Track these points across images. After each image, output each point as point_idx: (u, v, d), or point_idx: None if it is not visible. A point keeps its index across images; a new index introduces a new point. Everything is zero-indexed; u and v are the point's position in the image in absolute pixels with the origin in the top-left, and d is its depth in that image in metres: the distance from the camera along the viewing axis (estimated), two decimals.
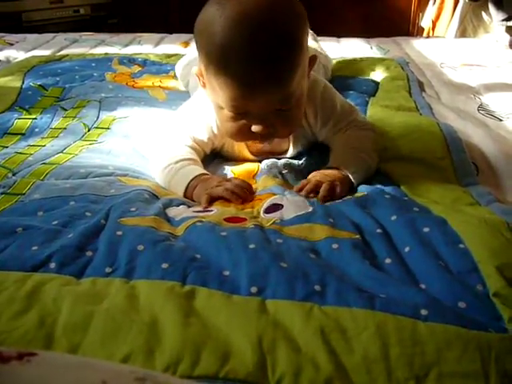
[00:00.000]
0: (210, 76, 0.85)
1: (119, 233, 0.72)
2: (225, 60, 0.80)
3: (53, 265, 0.65)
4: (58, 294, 0.60)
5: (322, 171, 0.93)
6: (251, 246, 0.67)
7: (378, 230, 0.73)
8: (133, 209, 0.78)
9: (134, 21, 3.23)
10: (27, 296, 0.59)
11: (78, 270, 0.65)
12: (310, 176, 0.92)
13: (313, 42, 1.56)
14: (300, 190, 0.88)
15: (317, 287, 0.60)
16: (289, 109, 0.87)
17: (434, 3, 3.05)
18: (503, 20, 2.75)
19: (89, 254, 0.69)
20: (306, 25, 0.87)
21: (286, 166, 0.99)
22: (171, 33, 2.31)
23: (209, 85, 0.88)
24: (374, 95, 1.40)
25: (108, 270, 0.65)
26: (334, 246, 0.69)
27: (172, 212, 0.81)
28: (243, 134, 0.90)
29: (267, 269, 0.63)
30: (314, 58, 0.93)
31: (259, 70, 0.80)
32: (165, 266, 0.64)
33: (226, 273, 0.64)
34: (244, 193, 0.87)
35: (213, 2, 0.84)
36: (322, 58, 1.43)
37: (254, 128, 0.87)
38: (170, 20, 3.31)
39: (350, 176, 0.91)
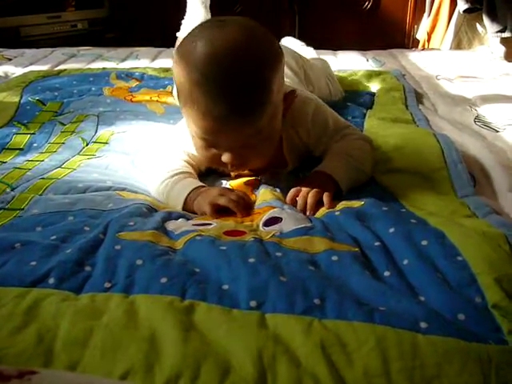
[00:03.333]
0: (180, 105, 0.88)
1: (118, 247, 0.72)
2: (191, 95, 0.82)
3: (51, 280, 0.65)
4: (56, 310, 0.59)
5: (307, 180, 0.93)
6: (251, 260, 0.67)
7: (377, 243, 0.73)
8: (131, 223, 0.78)
9: (131, 35, 3.24)
10: (26, 312, 0.59)
11: (76, 285, 0.65)
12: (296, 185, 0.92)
13: (308, 49, 1.58)
14: (291, 201, 0.89)
15: (316, 301, 0.60)
16: (257, 144, 0.88)
17: (429, 15, 3.07)
18: (498, 31, 2.77)
19: (87, 269, 0.68)
20: (277, 65, 0.86)
21: (284, 179, 0.99)
22: (168, 47, 2.32)
23: (182, 112, 0.90)
24: (371, 107, 1.41)
25: (107, 284, 0.65)
26: (334, 258, 0.69)
27: (171, 225, 0.81)
28: (215, 162, 0.92)
29: (267, 283, 0.63)
30: (291, 94, 0.94)
31: (222, 108, 0.81)
32: (164, 280, 0.64)
33: (226, 287, 0.64)
34: (248, 205, 0.88)
35: (190, 35, 0.86)
36: (325, 68, 1.44)
37: (224, 158, 0.88)
38: (167, 34, 3.32)
39: (336, 180, 0.92)
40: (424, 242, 0.71)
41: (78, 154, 1.12)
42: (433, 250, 0.69)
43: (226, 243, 0.72)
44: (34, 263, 0.68)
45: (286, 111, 0.94)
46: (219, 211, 0.87)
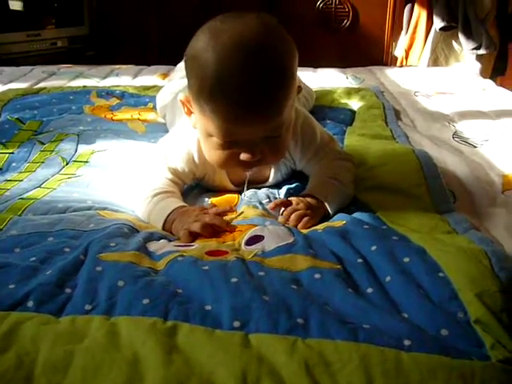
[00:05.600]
0: (200, 104, 0.85)
1: (99, 269, 0.71)
2: (217, 88, 0.81)
3: (31, 303, 0.64)
4: (36, 334, 0.59)
5: (299, 197, 0.94)
6: (233, 280, 0.67)
7: (359, 260, 0.73)
8: (112, 244, 0.77)
9: (112, 52, 3.24)
10: (5, 336, 0.58)
11: (57, 307, 0.64)
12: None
13: None
14: (274, 208, 0.92)
15: (300, 320, 0.60)
16: (278, 136, 0.88)
17: (407, 33, 3.12)
18: (473, 49, 2.82)
19: (68, 291, 0.68)
20: (297, 56, 0.88)
21: (265, 196, 1.00)
22: (149, 65, 2.32)
23: (199, 111, 0.87)
24: (350, 124, 1.42)
25: (88, 307, 0.64)
26: (317, 275, 0.70)
27: (153, 246, 0.81)
28: (231, 162, 0.90)
29: (250, 302, 0.63)
30: (299, 88, 0.94)
31: (251, 100, 0.81)
32: (146, 301, 0.63)
33: (208, 307, 0.63)
34: (222, 223, 0.87)
35: (204, 31, 0.85)
36: (304, 89, 1.45)
37: (243, 156, 0.87)
38: (148, 51, 3.33)
39: (326, 205, 0.93)
40: (406, 259, 0.71)
41: (58, 173, 1.11)
42: (415, 267, 0.70)
43: (209, 263, 0.72)
44: (12, 286, 0.67)
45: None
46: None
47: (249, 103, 0.81)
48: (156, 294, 0.65)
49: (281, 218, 0.90)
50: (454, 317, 0.62)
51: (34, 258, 0.74)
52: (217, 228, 0.87)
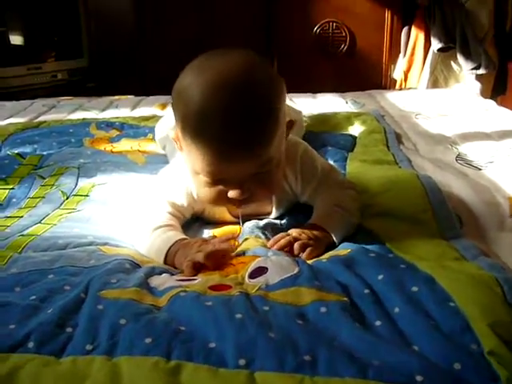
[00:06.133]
0: (186, 141, 0.84)
1: (100, 307, 0.69)
2: (201, 126, 0.80)
3: (31, 344, 0.63)
4: (37, 376, 0.57)
5: (300, 228, 0.93)
6: (237, 316, 0.65)
7: (366, 291, 0.71)
8: (113, 280, 0.76)
9: (112, 84, 3.26)
10: (5, 379, 0.57)
11: (57, 348, 0.63)
12: (289, 232, 0.92)
13: None
14: (273, 245, 0.89)
15: (307, 357, 0.58)
16: (266, 172, 0.87)
17: (405, 55, 3.14)
18: (472, 69, 2.84)
19: (69, 330, 0.66)
20: (283, 91, 0.87)
21: (267, 226, 0.98)
22: (148, 95, 2.33)
23: (185, 149, 0.87)
24: (352, 150, 1.41)
25: (89, 347, 0.63)
26: (322, 309, 0.68)
27: (155, 281, 0.79)
28: (220, 200, 0.89)
29: (255, 340, 0.61)
30: (291, 123, 0.93)
31: (235, 138, 0.80)
32: (148, 340, 0.62)
33: (212, 345, 0.61)
34: (228, 248, 0.87)
35: (191, 68, 0.84)
36: (292, 112, 1.44)
37: (231, 194, 0.86)
38: (147, 82, 3.35)
39: (331, 234, 0.91)
40: (414, 289, 0.70)
41: (59, 207, 1.10)
42: (424, 297, 0.68)
43: (212, 298, 0.70)
44: (12, 326, 0.66)
45: (285, 139, 0.93)
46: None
47: (232, 141, 0.80)
48: (158, 332, 0.63)
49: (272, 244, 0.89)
50: (467, 349, 0.59)
51: (34, 297, 0.73)
52: (222, 254, 0.85)
